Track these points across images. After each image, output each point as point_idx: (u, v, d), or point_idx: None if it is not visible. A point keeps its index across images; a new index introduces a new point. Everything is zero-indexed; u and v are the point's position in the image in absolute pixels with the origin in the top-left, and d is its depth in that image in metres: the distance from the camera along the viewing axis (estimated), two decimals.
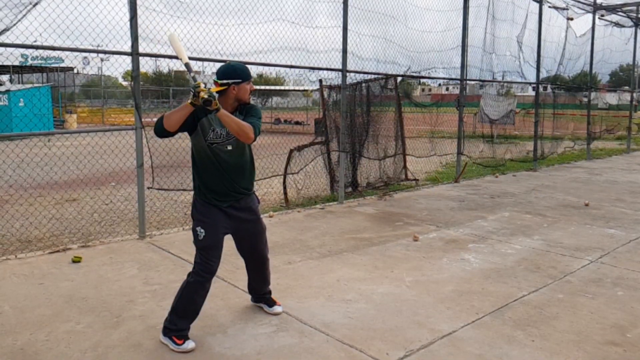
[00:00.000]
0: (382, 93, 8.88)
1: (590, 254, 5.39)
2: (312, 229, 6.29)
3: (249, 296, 4.00)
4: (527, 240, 5.92)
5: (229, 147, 3.29)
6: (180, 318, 3.32)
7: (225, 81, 3.19)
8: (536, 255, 5.36)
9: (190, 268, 4.70)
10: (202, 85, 2.95)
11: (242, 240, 3.58)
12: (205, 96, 2.91)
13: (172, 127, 3.08)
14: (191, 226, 3.42)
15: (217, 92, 3.18)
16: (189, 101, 2.98)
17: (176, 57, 5.86)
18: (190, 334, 3.36)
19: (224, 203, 3.37)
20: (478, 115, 13.44)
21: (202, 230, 3.32)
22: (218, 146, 3.27)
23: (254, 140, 3.17)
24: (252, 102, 3.41)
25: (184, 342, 3.27)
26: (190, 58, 5.97)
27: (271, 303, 3.86)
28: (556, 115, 14.72)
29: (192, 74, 3.11)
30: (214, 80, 3.23)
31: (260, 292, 3.87)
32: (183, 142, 4.81)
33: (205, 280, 3.33)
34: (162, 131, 3.12)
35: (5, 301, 3.95)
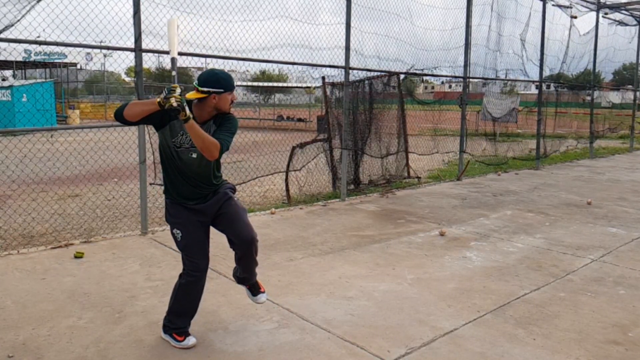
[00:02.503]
0: (385, 90, 8.87)
1: (592, 253, 5.39)
2: (314, 226, 6.29)
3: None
4: (529, 238, 5.91)
5: (194, 155, 3.11)
6: (178, 317, 3.31)
7: (206, 89, 3.01)
8: (538, 253, 5.36)
9: None
10: (178, 91, 2.80)
11: (223, 226, 3.33)
12: (174, 104, 2.76)
13: (132, 118, 2.93)
14: (170, 228, 3.29)
15: (197, 99, 3.06)
16: (158, 100, 2.82)
17: (179, 53, 5.88)
18: (192, 330, 3.36)
19: (190, 202, 3.24)
20: (481, 113, 13.42)
21: (178, 232, 3.23)
22: (183, 150, 3.11)
23: (218, 157, 3.02)
24: (232, 111, 3.23)
25: (184, 339, 3.27)
26: (192, 54, 6.01)
27: (255, 291, 3.61)
28: (559, 113, 14.70)
29: (174, 73, 2.97)
30: (194, 85, 3.04)
31: (245, 282, 3.61)
32: None
33: (197, 279, 3.26)
34: (120, 118, 2.96)
35: (7, 296, 3.97)
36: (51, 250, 5.10)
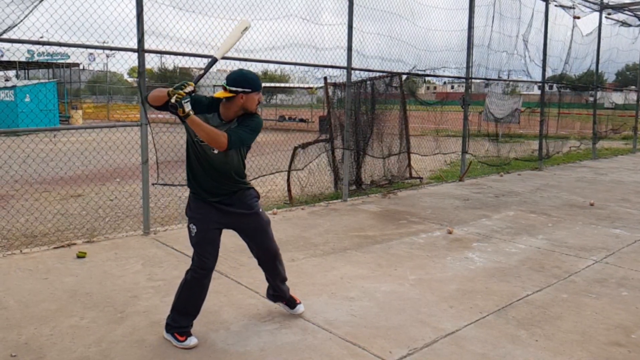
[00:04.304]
0: (387, 91, 8.86)
1: (595, 254, 5.37)
2: (315, 226, 6.29)
3: (253, 293, 4.01)
4: (532, 239, 5.90)
5: (215, 150, 3.15)
6: (181, 315, 3.33)
7: (234, 89, 3.08)
8: (540, 254, 5.35)
9: None
10: (188, 89, 2.84)
11: (247, 237, 3.50)
12: (173, 100, 2.81)
13: (152, 101, 2.99)
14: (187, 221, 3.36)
15: (225, 98, 3.12)
16: (168, 90, 2.87)
17: (180, 54, 5.90)
18: (193, 330, 3.37)
19: (213, 198, 3.29)
20: (483, 113, 13.40)
21: (194, 227, 3.28)
22: (206, 146, 3.14)
23: (229, 148, 3.02)
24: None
25: (186, 339, 3.27)
26: (193, 55, 6.01)
27: (292, 304, 3.74)
28: (562, 114, 14.67)
29: (201, 72, 3.05)
30: (223, 85, 3.14)
31: (278, 289, 3.71)
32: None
33: (202, 276, 3.30)
34: (147, 100, 3.05)
35: (10, 295, 3.98)
36: (54, 250, 5.11)
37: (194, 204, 3.32)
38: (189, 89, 2.86)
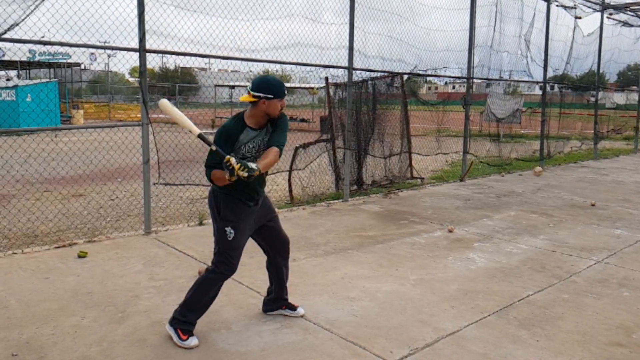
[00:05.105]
0: (388, 91, 8.86)
1: (596, 254, 5.37)
2: (316, 226, 6.29)
3: (254, 293, 4.01)
4: (533, 239, 5.90)
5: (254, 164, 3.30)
6: (192, 311, 3.36)
7: (257, 94, 3.16)
8: (542, 255, 5.35)
9: (195, 264, 4.75)
10: (233, 161, 2.94)
11: (269, 235, 3.59)
12: (246, 174, 2.94)
13: (218, 184, 3.17)
14: (220, 224, 3.33)
15: (249, 102, 3.21)
16: (229, 177, 2.97)
17: (182, 54, 5.90)
18: (195, 330, 3.37)
19: (252, 202, 3.37)
20: (484, 114, 13.39)
21: (232, 231, 3.30)
22: (250, 158, 3.28)
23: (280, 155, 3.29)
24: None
25: (188, 338, 3.29)
26: (195, 55, 6.01)
27: (293, 306, 3.78)
28: (563, 114, 14.65)
29: (212, 147, 3.07)
30: (247, 90, 3.21)
31: (283, 292, 3.75)
32: (189, 139, 4.82)
33: (225, 278, 3.38)
34: (212, 182, 3.25)
35: (11, 295, 3.98)
36: (55, 250, 5.12)
37: (234, 206, 3.32)
38: (233, 161, 2.95)
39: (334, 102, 8.10)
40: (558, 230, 6.33)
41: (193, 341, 3.29)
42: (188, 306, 3.35)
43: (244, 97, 3.24)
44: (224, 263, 3.33)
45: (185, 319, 3.34)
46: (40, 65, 30.99)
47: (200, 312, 3.40)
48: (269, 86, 3.18)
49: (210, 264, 3.42)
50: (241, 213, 3.33)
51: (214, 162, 3.15)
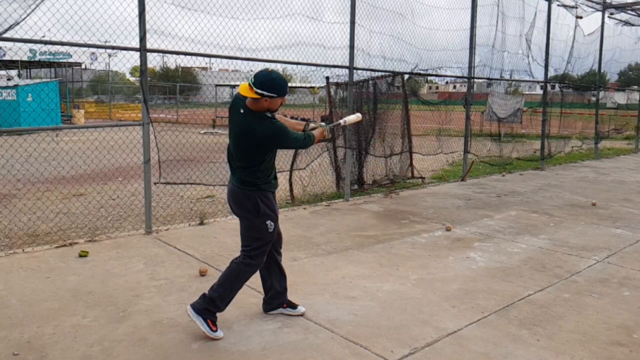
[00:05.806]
0: (389, 90, 8.86)
1: (597, 254, 5.37)
2: (317, 225, 6.29)
3: (255, 292, 4.01)
4: (534, 239, 5.90)
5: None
6: (223, 301, 3.41)
7: (260, 91, 3.19)
8: (542, 254, 5.34)
9: (196, 264, 4.75)
10: (323, 125, 3.67)
11: None
12: (329, 136, 3.35)
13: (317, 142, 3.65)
14: (259, 221, 3.39)
15: (251, 98, 3.24)
16: (327, 134, 3.64)
17: (182, 53, 5.90)
18: (195, 330, 3.38)
19: (275, 189, 3.57)
20: (485, 113, 13.39)
21: (272, 223, 3.43)
22: None
23: None
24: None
25: (217, 330, 3.37)
26: (195, 54, 6.02)
27: (293, 304, 3.79)
28: (564, 114, 14.65)
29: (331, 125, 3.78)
30: (249, 83, 3.21)
31: (283, 288, 3.76)
32: (190, 138, 4.82)
33: (256, 269, 3.49)
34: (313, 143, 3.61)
35: (12, 294, 3.99)
36: (56, 249, 5.12)
37: (268, 202, 3.44)
38: (322, 126, 3.63)
39: (334, 102, 8.10)
40: (559, 230, 6.33)
41: (221, 333, 3.37)
42: (221, 296, 3.39)
43: (245, 89, 3.22)
44: (262, 255, 3.45)
45: (218, 309, 3.40)
46: (41, 64, 30.99)
47: (229, 302, 3.47)
48: (273, 85, 3.21)
49: (237, 258, 3.47)
50: (274, 205, 3.50)
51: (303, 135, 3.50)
